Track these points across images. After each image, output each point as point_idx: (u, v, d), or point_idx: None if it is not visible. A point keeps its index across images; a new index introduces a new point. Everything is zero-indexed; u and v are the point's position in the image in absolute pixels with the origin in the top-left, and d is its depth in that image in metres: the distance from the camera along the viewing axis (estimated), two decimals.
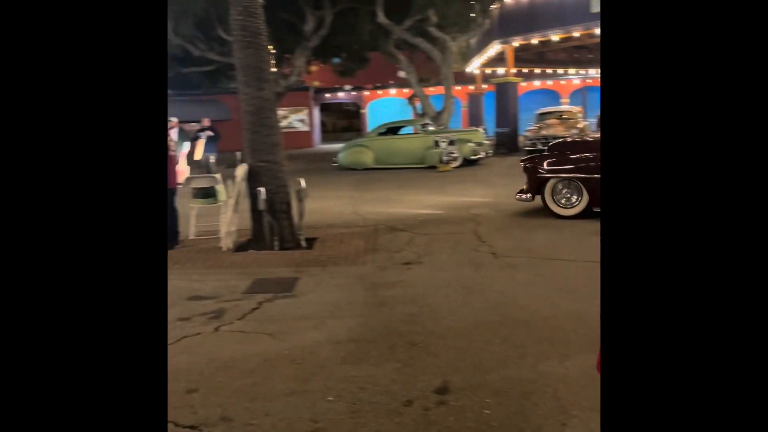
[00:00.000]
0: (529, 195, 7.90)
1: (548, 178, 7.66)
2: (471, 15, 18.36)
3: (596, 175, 7.15)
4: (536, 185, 7.77)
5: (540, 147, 17.60)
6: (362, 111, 33.43)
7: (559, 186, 7.67)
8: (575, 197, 7.59)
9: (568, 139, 9.78)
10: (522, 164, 8.16)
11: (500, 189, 10.81)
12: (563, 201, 7.67)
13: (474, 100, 26.83)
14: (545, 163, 7.74)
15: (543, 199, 7.76)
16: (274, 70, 17.18)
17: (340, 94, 33.21)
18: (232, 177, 6.72)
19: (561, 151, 7.99)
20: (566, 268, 5.10)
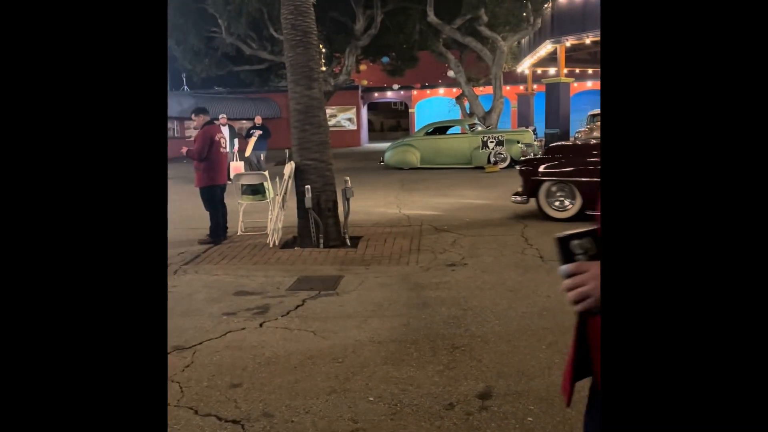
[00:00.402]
0: (524, 197, 7.93)
1: (543, 181, 7.66)
2: (522, 14, 18.08)
3: (590, 179, 7.18)
4: (531, 188, 7.77)
5: None
6: (410, 110, 33.40)
7: (553, 189, 7.64)
8: (568, 201, 7.56)
9: (565, 143, 9.77)
10: (518, 167, 8.19)
11: None
12: (557, 204, 7.64)
13: (523, 100, 26.44)
14: (541, 166, 7.74)
15: (537, 201, 7.75)
16: (323, 68, 17.34)
17: (389, 93, 33.26)
18: (280, 174, 6.80)
19: (556, 154, 8.01)
20: None
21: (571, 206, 7.53)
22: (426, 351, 3.51)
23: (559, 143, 9.29)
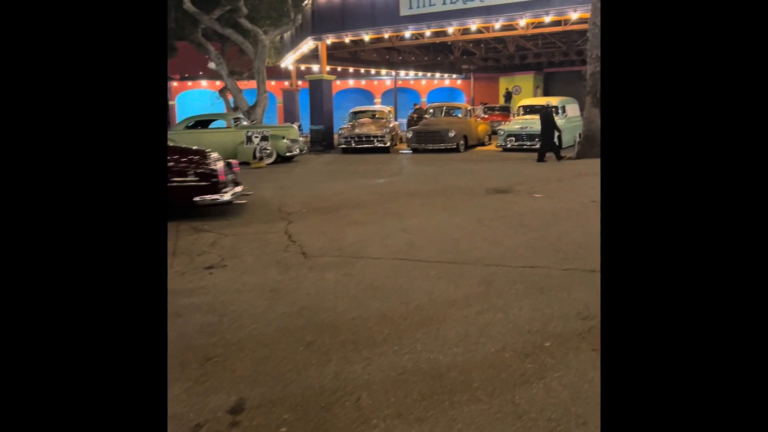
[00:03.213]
0: None
1: None
2: (283, 9, 18.05)
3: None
4: None
5: (354, 145, 17.92)
6: (171, 102, 31.46)
7: None
8: None
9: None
10: None
11: (314, 185, 10.70)
12: None
13: (289, 96, 26.57)
14: None
15: None
16: None
17: None
18: None
19: None
20: (373, 266, 5.09)
21: None
22: (174, 367, 3.16)
23: None
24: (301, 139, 16.70)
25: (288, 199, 9.15)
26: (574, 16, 16.35)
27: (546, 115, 13.94)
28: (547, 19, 16.80)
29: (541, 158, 13.84)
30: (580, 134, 15.11)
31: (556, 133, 13.92)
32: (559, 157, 13.89)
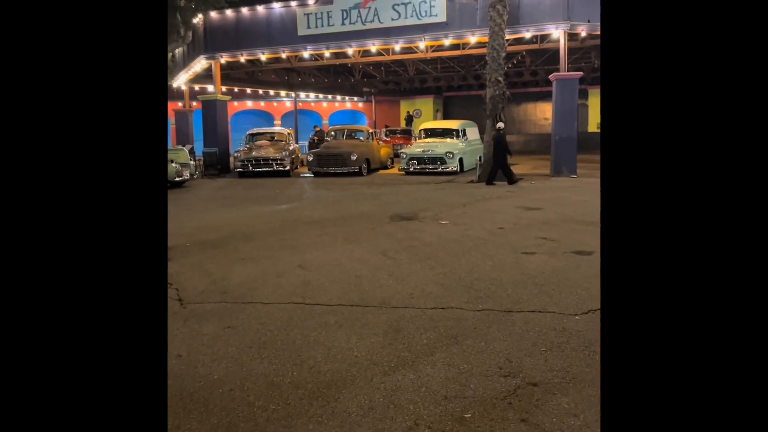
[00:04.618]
0: None
1: None
2: (172, 25, 16.93)
3: None
4: None
5: (251, 169, 17.00)
6: None
7: None
8: None
9: None
10: None
11: (203, 214, 9.75)
12: None
13: (182, 117, 25.10)
14: None
15: None
16: None
17: None
18: None
19: None
20: (262, 314, 4.35)
21: None
22: None
23: None
24: (192, 162, 15.57)
25: (170, 231, 8.17)
26: (472, 39, 16.43)
27: (498, 138, 13.67)
28: (447, 42, 16.80)
29: (489, 181, 13.49)
30: (480, 157, 15.07)
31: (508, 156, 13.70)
32: (512, 181, 13.48)
